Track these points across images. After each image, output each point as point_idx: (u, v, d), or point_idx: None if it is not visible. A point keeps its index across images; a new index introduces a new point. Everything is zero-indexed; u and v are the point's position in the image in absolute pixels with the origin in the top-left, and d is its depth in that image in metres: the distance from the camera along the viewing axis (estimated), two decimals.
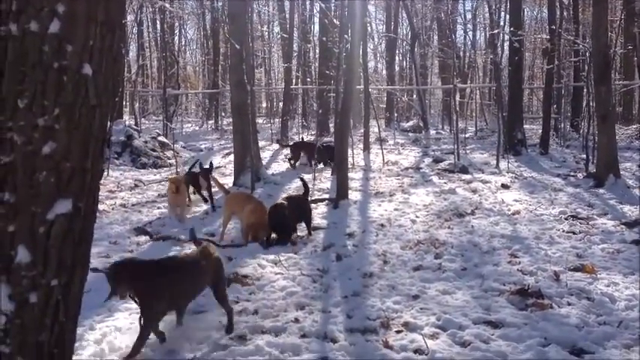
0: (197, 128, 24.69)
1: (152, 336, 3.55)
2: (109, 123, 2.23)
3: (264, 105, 31.41)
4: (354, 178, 10.01)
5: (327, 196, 8.60)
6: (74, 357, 2.41)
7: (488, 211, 7.51)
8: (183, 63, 32.24)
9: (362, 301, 4.27)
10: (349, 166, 9.36)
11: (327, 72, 17.25)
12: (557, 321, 3.83)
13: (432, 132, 19.78)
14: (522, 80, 17.07)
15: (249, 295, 4.42)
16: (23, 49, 1.93)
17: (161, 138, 14.58)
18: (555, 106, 16.60)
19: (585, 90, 12.89)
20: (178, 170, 10.91)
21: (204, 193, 7.98)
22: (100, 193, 2.32)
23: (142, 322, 3.34)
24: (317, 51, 23.46)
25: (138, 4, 19.74)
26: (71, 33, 1.98)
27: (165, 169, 12.18)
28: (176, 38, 31.27)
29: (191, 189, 8.16)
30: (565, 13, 17.40)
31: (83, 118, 2.05)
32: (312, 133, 18.10)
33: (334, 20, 13.72)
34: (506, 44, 16.38)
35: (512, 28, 13.31)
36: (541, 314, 3.95)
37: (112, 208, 7.85)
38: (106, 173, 9.84)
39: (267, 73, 31.50)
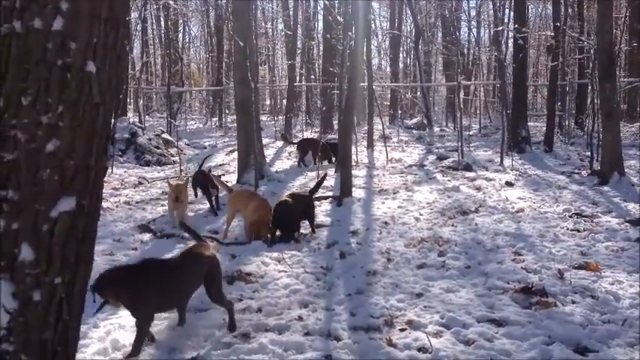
0: (201, 125, 24.63)
1: (154, 336, 3.57)
2: (112, 120, 2.23)
3: (267, 102, 31.33)
4: (358, 175, 9.99)
5: (330, 193, 8.59)
6: (78, 355, 2.42)
7: (492, 208, 7.50)
8: (187, 60, 32.17)
9: (365, 299, 4.27)
10: (353, 163, 9.33)
11: (331, 69, 17.23)
12: (562, 319, 3.82)
13: (436, 129, 19.75)
14: (527, 77, 17.01)
15: (253, 293, 4.41)
16: (27, 46, 1.93)
17: (165, 135, 14.61)
18: (560, 103, 16.51)
19: (590, 87, 12.79)
20: (182, 168, 10.94)
21: (213, 199, 7.54)
22: (103, 190, 2.32)
23: (136, 323, 3.39)
24: (321, 48, 23.44)
25: (142, 1, 19.71)
26: (75, 30, 1.97)
27: (169, 166, 12.19)
28: (180, 35, 31.22)
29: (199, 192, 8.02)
30: (570, 10, 17.31)
31: (87, 116, 2.04)
32: (316, 130, 18.09)
33: (338, 17, 13.66)
34: (511, 41, 16.28)
35: (516, 25, 13.26)
36: (545, 312, 3.94)
37: (116, 206, 7.86)
38: (109, 171, 9.86)
39: (271, 70, 31.48)
